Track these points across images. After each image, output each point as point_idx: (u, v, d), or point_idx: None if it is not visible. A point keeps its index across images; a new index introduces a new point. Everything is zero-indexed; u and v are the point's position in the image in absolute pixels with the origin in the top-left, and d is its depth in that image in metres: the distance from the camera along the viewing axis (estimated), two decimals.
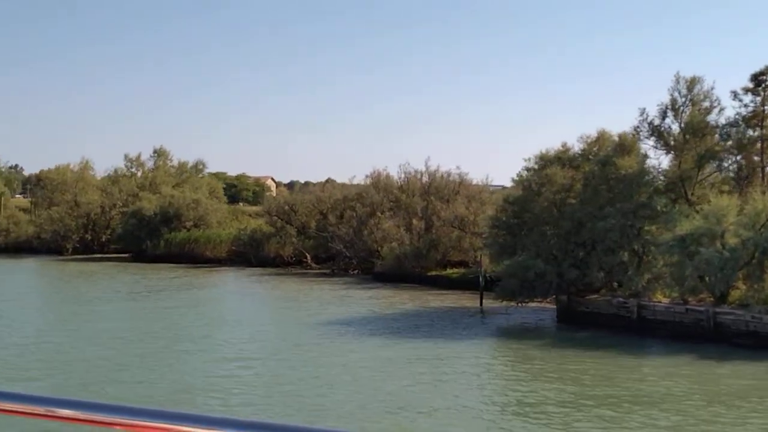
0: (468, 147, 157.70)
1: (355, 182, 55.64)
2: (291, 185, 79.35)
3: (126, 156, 63.50)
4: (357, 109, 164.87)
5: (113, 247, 59.56)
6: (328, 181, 64.07)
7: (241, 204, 79.73)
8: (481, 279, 31.85)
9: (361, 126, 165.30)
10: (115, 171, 62.45)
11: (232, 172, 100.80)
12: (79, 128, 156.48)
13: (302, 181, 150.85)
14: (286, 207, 51.52)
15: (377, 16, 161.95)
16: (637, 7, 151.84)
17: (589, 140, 29.62)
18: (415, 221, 42.34)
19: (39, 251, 57.72)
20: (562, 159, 28.78)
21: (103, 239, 59.38)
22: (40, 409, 1.60)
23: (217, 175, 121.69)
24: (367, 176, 55.68)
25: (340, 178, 71.22)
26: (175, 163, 64.40)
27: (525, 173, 59.18)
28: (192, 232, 53.46)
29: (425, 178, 51.49)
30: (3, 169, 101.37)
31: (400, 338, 25.90)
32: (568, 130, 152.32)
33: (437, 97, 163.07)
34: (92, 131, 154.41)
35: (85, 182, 60.12)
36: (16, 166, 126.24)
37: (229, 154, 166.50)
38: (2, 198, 74.22)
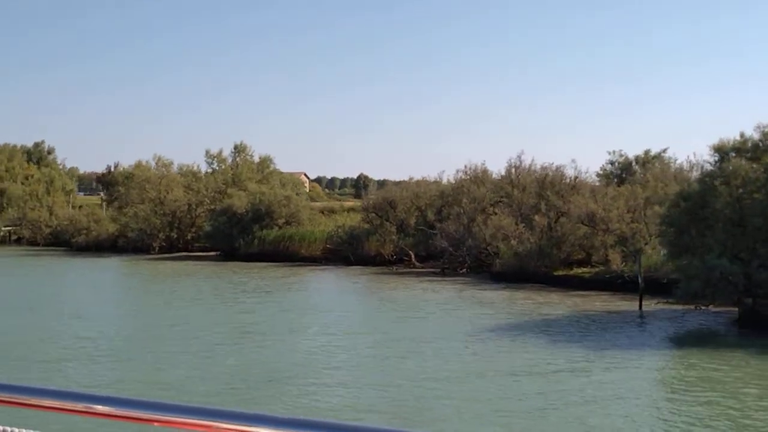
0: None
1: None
2: (382, 183, 76.94)
3: (207, 152, 62.13)
4: (395, 111, 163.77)
5: (198, 245, 58.25)
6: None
7: None
8: (640, 280, 29.61)
9: (396, 126, 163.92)
10: (197, 167, 61.11)
11: None
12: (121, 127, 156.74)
13: (333, 178, 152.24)
14: (385, 203, 49.57)
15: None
16: None
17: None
18: (537, 217, 40.12)
19: (124, 250, 56.53)
20: (741, 150, 26.41)
21: (188, 237, 57.98)
22: (79, 406, 1.60)
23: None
24: (458, 171, 53.84)
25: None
26: (256, 158, 62.79)
27: (609, 167, 57.39)
28: (285, 230, 51.80)
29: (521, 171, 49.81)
30: (61, 168, 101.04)
31: (564, 345, 23.80)
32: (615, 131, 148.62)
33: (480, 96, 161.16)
34: (126, 128, 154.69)
35: (168, 179, 58.71)
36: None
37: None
38: (71, 196, 73.55)
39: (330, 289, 38.43)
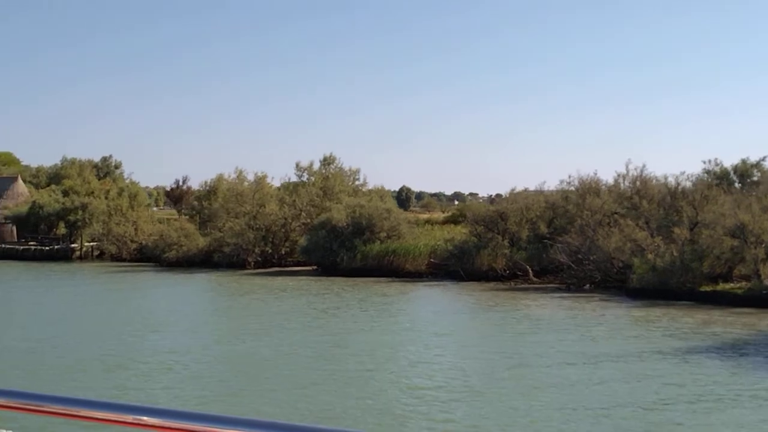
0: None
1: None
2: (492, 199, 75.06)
3: (297, 165, 60.87)
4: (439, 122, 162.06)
5: (290, 260, 56.90)
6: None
7: None
8: None
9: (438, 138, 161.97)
10: (288, 180, 59.82)
11: None
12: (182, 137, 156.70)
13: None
14: (496, 215, 47.72)
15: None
16: None
17: None
18: (677, 229, 37.94)
19: (219, 265, 55.28)
20: None
21: (282, 252, 56.64)
22: (128, 418, 1.60)
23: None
24: (562, 181, 51.97)
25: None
26: (346, 170, 61.37)
27: (705, 176, 54.98)
28: (388, 244, 50.17)
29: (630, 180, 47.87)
30: (127, 181, 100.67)
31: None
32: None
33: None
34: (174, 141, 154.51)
35: (262, 193, 57.45)
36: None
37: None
38: (148, 210, 72.59)
39: (465, 307, 36.56)
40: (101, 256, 67.86)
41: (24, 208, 73.49)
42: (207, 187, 70.17)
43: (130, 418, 1.60)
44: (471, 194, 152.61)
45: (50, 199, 72.03)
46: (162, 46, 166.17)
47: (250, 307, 36.12)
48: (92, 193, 75.37)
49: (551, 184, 55.71)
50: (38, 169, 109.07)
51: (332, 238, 51.30)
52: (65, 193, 76.69)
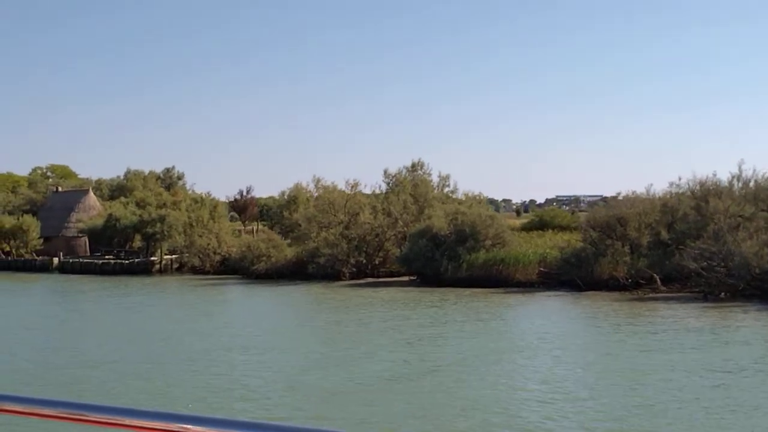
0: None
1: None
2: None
3: (385, 171, 58.83)
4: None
5: (383, 270, 54.80)
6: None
7: None
8: None
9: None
10: (379, 187, 57.76)
11: None
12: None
13: None
14: (614, 221, 45.12)
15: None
16: None
17: None
18: None
19: (310, 277, 53.34)
20: None
21: (376, 261, 54.53)
22: (173, 426, 1.61)
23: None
24: (671, 184, 49.23)
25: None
26: (434, 177, 59.22)
27: None
28: (496, 252, 47.81)
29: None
30: (191, 194, 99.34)
31: None
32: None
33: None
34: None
35: (355, 201, 55.43)
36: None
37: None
38: (218, 222, 70.40)
39: (610, 324, 34.05)
40: (180, 269, 66.46)
41: (99, 221, 72.41)
42: (286, 197, 68.50)
43: (174, 426, 1.58)
44: (504, 200, 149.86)
45: (126, 212, 70.80)
46: (206, 55, 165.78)
47: (388, 322, 33.96)
48: (164, 205, 74.16)
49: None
50: (98, 182, 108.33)
51: (433, 247, 49.09)
52: (138, 206, 75.63)
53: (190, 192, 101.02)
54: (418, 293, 44.90)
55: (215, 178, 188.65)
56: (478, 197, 56.96)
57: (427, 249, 49.03)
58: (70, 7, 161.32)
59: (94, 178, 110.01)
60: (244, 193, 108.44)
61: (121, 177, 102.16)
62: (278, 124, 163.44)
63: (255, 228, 78.60)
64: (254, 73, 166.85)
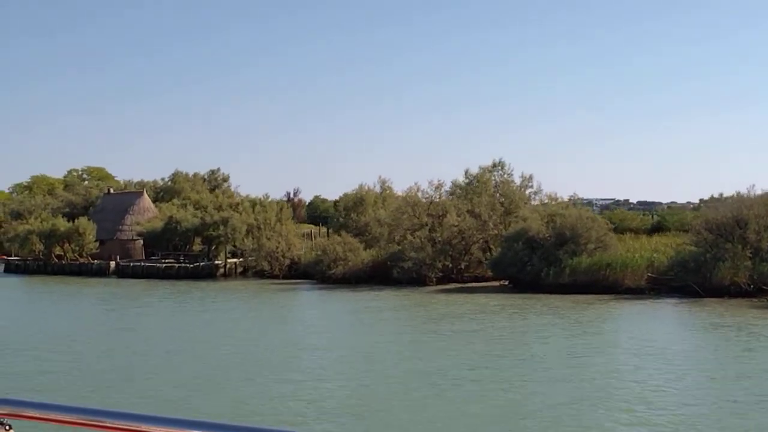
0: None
1: None
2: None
3: (466, 172, 56.22)
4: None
5: (468, 275, 52.24)
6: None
7: None
8: None
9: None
10: (459, 189, 55.03)
11: None
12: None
13: None
14: (732, 222, 42.37)
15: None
16: None
17: None
18: None
19: (391, 282, 50.79)
20: None
21: (461, 266, 51.96)
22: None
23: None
24: None
25: None
26: (516, 177, 56.54)
27: None
28: (600, 256, 45.13)
29: None
30: (236, 193, 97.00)
31: None
32: None
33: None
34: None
35: (441, 203, 52.80)
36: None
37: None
38: (285, 225, 67.50)
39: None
40: (244, 273, 64.14)
41: (158, 224, 70.20)
42: (353, 199, 66.12)
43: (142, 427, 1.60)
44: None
45: (186, 214, 68.54)
46: (238, 53, 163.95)
47: (506, 336, 31.36)
48: (220, 207, 71.85)
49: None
50: (140, 184, 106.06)
51: (530, 251, 46.48)
52: (195, 208, 73.40)
53: (235, 192, 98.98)
54: (519, 300, 42.21)
55: (254, 180, 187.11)
56: (573, 198, 54.22)
57: (524, 254, 46.40)
58: (104, 6, 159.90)
59: (134, 180, 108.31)
60: (292, 195, 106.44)
61: (166, 179, 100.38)
62: (321, 124, 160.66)
63: (310, 231, 76.08)
64: (289, 72, 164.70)
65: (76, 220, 71.83)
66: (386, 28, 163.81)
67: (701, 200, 65.08)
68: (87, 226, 70.23)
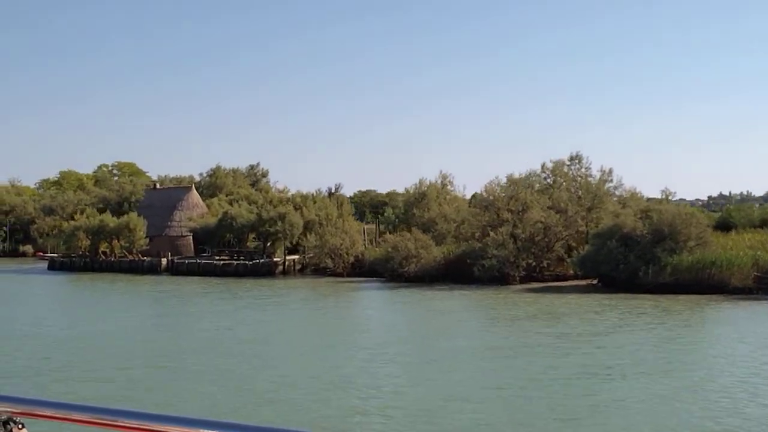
0: None
1: None
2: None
3: (543, 165, 53.81)
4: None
5: (549, 273, 49.87)
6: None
7: None
8: None
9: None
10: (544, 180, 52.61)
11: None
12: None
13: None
14: None
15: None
16: None
17: None
18: None
19: (467, 281, 48.45)
20: None
21: (544, 263, 49.59)
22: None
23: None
24: None
25: None
26: (595, 171, 54.08)
27: None
28: (702, 254, 42.71)
29: None
30: (274, 191, 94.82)
31: None
32: None
33: None
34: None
35: (524, 198, 50.33)
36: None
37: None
38: (347, 221, 64.82)
39: None
40: (303, 270, 61.97)
41: (212, 220, 68.06)
42: (414, 195, 63.83)
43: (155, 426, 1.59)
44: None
45: (242, 210, 66.32)
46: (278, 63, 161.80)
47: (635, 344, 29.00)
48: (270, 202, 69.62)
49: None
50: (178, 179, 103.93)
51: (625, 248, 44.08)
52: (250, 203, 71.23)
53: (273, 189, 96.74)
54: (620, 300, 39.72)
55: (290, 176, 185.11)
56: (666, 192, 51.75)
57: (619, 251, 44.01)
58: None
59: (170, 175, 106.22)
60: (333, 191, 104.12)
61: (204, 174, 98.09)
62: (368, 123, 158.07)
63: (363, 227, 73.77)
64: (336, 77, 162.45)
65: (125, 216, 69.66)
66: (454, 31, 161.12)
67: None
68: (137, 221, 68.08)
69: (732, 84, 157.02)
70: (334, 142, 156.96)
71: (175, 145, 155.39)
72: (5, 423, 1.75)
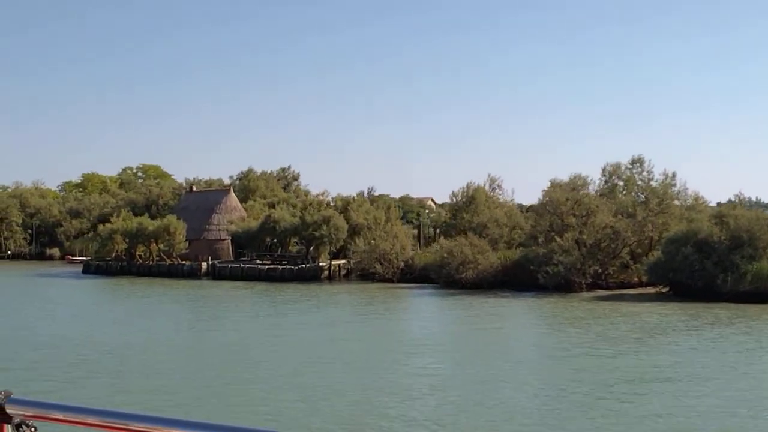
0: None
1: None
2: None
3: (603, 169, 52.02)
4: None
5: (614, 281, 48.10)
6: None
7: None
8: None
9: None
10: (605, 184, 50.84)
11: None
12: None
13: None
14: None
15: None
16: None
17: None
18: None
19: (540, 288, 46.48)
20: None
21: (610, 270, 47.82)
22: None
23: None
24: None
25: None
26: (658, 174, 52.22)
27: None
28: None
29: None
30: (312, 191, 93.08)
31: None
32: None
33: None
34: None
35: (589, 202, 48.58)
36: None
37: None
38: (395, 225, 62.86)
39: None
40: (348, 276, 60.40)
41: (253, 224, 66.50)
42: (462, 199, 62.15)
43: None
44: None
45: (285, 213, 64.78)
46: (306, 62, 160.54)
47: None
48: (310, 205, 68.04)
49: None
50: (208, 182, 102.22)
51: (700, 255, 42.29)
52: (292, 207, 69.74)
53: (303, 189, 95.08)
54: (702, 310, 37.90)
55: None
56: (738, 197, 49.82)
57: (694, 258, 42.22)
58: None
59: (198, 178, 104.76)
60: (366, 194, 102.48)
61: (234, 177, 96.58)
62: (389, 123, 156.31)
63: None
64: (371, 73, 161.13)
65: (165, 219, 68.13)
66: (482, 31, 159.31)
67: None
68: (177, 225, 66.46)
69: None
70: (333, 149, 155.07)
71: (197, 147, 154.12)
72: (18, 426, 1.71)
